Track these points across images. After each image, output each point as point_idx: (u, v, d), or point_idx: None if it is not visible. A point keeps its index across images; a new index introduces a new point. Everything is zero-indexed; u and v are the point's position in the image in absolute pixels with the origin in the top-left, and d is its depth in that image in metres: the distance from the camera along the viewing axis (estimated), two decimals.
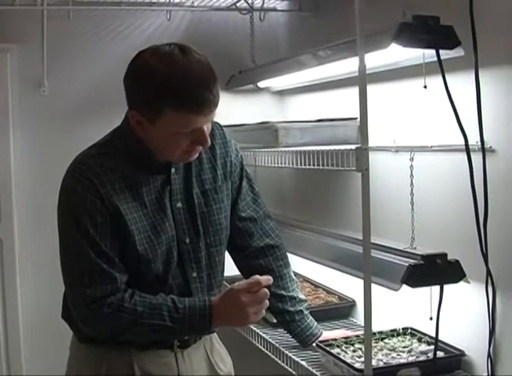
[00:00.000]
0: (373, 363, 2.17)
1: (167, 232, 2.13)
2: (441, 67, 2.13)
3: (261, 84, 3.47)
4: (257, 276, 2.12)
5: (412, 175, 2.31)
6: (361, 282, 2.02)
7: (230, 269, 2.43)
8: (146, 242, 2.08)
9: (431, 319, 2.20)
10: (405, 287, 2.13)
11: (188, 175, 2.19)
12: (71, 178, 2.08)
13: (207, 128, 2.03)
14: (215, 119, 2.31)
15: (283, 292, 2.42)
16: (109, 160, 2.08)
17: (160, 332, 2.07)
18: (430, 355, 2.28)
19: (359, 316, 2.86)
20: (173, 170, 2.15)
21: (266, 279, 2.12)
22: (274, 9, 3.64)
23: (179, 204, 2.16)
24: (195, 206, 2.18)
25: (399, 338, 2.51)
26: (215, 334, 2.37)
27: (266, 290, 2.10)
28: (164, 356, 2.19)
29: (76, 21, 3.36)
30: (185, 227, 2.17)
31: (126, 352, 2.14)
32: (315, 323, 2.48)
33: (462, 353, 2.30)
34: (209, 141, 2.06)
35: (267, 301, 2.11)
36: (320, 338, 2.46)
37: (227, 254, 2.37)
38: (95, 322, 2.06)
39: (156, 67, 1.95)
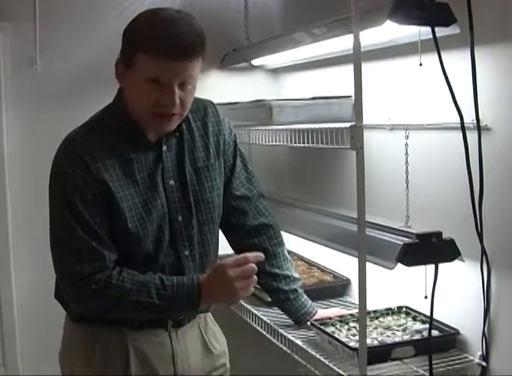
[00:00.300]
0: (368, 341, 2.18)
1: (159, 209, 2.13)
2: (436, 45, 2.12)
3: (255, 62, 3.45)
4: (246, 253, 2.12)
5: (407, 153, 2.30)
6: (356, 260, 2.02)
7: (224, 247, 2.42)
8: (137, 219, 2.09)
9: (426, 297, 2.20)
10: (400, 265, 2.12)
11: (180, 153, 2.19)
12: (62, 156, 2.08)
13: (181, 90, 2.03)
14: (209, 97, 2.31)
15: (277, 271, 2.42)
16: (101, 137, 2.09)
17: (148, 310, 2.07)
18: (425, 333, 2.29)
19: (354, 295, 2.87)
20: (164, 147, 2.15)
21: (255, 255, 2.13)
22: None
23: (172, 182, 2.16)
24: (187, 184, 2.18)
25: (394, 316, 2.52)
26: (209, 313, 2.38)
27: (253, 265, 2.09)
28: (158, 335, 2.20)
29: None
30: (177, 205, 2.17)
31: (120, 331, 2.16)
32: (310, 301, 2.50)
33: (456, 332, 2.30)
34: (176, 103, 2.04)
35: (255, 277, 2.11)
36: (315, 317, 2.47)
37: (221, 233, 2.38)
38: (84, 299, 2.06)
39: (146, 17, 2.02)
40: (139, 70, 2.00)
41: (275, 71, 3.68)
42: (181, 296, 2.06)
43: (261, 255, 2.15)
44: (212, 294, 2.10)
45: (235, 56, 3.46)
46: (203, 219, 2.22)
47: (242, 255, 2.12)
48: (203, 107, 2.27)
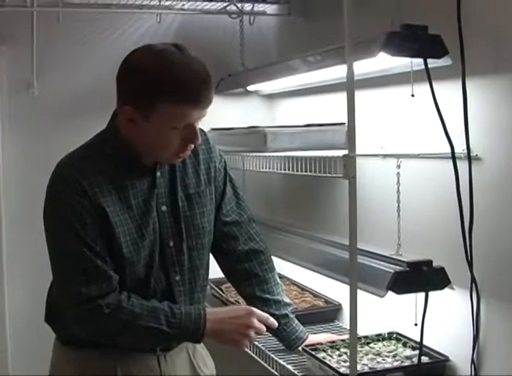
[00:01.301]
0: (358, 367, 2.19)
1: (151, 235, 2.14)
2: (428, 76, 2.15)
3: (251, 87, 3.48)
4: (269, 316, 2.29)
5: (398, 182, 2.32)
6: (347, 286, 2.04)
7: (214, 271, 2.45)
8: (131, 244, 2.10)
9: (416, 325, 2.22)
10: (390, 293, 2.14)
11: (173, 179, 2.21)
12: (58, 180, 2.09)
13: (197, 125, 2.06)
14: (204, 122, 2.33)
15: (268, 296, 2.43)
16: (96, 163, 2.09)
17: (155, 336, 2.09)
18: (415, 360, 2.30)
19: (345, 320, 2.88)
20: (158, 173, 2.17)
21: (272, 322, 2.28)
22: (264, 13, 3.65)
23: (164, 207, 2.18)
24: (179, 209, 2.20)
25: (385, 342, 2.52)
26: None
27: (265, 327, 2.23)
28: (146, 359, 2.21)
29: (66, 23, 3.35)
30: (169, 230, 2.19)
31: (109, 355, 2.15)
32: (301, 326, 2.50)
33: (446, 358, 2.32)
34: (200, 139, 2.08)
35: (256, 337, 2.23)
36: (306, 342, 2.48)
37: (212, 258, 2.40)
38: (90, 321, 2.07)
39: (152, 61, 1.98)
40: (162, 119, 1.99)
41: (270, 97, 3.71)
42: (188, 325, 2.10)
43: (275, 324, 2.31)
44: (222, 330, 2.16)
45: (230, 82, 3.49)
46: (194, 245, 2.24)
47: (266, 315, 2.26)
48: None
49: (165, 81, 1.95)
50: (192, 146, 2.11)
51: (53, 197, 2.09)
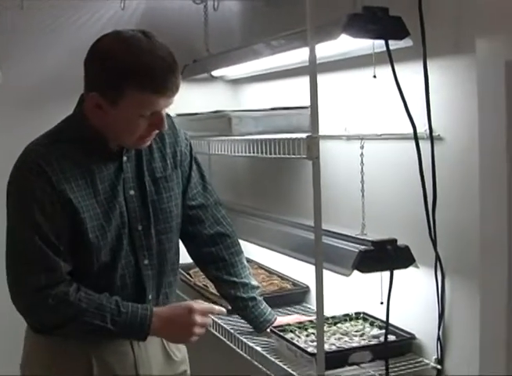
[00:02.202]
0: (326, 347, 2.22)
1: (117, 219, 2.15)
2: (390, 57, 2.17)
3: (215, 73, 3.48)
4: (214, 306, 2.26)
5: (362, 162, 2.34)
6: (314, 268, 2.06)
7: (183, 256, 2.46)
8: (97, 229, 2.10)
9: (382, 303, 2.24)
10: (356, 272, 2.17)
11: (139, 164, 2.22)
12: (22, 165, 2.09)
13: (164, 112, 2.07)
14: (169, 108, 2.33)
15: (235, 279, 2.46)
16: (61, 148, 2.09)
17: (99, 332, 2.09)
18: (382, 339, 2.33)
19: (313, 302, 2.87)
20: (125, 158, 2.18)
21: (219, 310, 2.26)
22: None
23: (132, 192, 2.19)
24: (146, 193, 2.21)
25: (352, 322, 2.55)
26: None
27: (211, 319, 2.25)
28: (120, 345, 2.21)
29: (29, 11, 3.31)
30: (137, 214, 2.19)
31: (82, 341, 2.15)
32: (269, 309, 2.52)
33: (412, 337, 2.35)
34: (166, 125, 2.09)
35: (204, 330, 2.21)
36: (274, 324, 2.50)
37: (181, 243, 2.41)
38: (38, 312, 2.07)
39: (121, 48, 1.98)
40: (130, 106, 2.00)
41: (235, 82, 3.71)
42: (132, 325, 2.10)
43: (224, 311, 2.29)
44: (166, 330, 2.16)
45: (195, 67, 3.48)
46: (161, 229, 2.24)
47: (210, 306, 2.25)
48: None
49: (133, 69, 1.96)
50: (157, 131, 2.12)
51: (16, 182, 2.09)
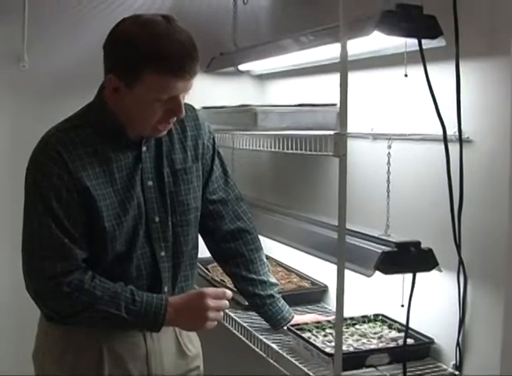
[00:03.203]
0: (343, 348, 2.19)
1: (135, 209, 2.13)
2: (422, 57, 2.14)
3: (242, 67, 3.46)
4: (224, 289, 2.21)
5: (389, 162, 2.31)
6: (334, 267, 2.02)
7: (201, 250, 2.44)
8: (113, 218, 2.09)
9: (403, 306, 2.22)
10: (377, 273, 2.14)
11: (159, 154, 2.20)
12: (41, 151, 2.08)
13: (182, 98, 2.05)
14: (194, 101, 2.32)
15: (253, 276, 2.44)
16: (81, 135, 2.09)
17: (113, 321, 2.08)
18: (400, 342, 2.30)
19: (331, 302, 2.88)
20: (144, 148, 2.16)
21: (230, 294, 2.20)
22: None
23: (150, 183, 2.17)
24: (165, 185, 2.19)
25: (370, 324, 2.53)
26: None
27: (227, 301, 2.18)
28: (132, 336, 2.20)
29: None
30: (155, 206, 2.18)
31: (93, 331, 2.15)
32: (287, 307, 2.51)
33: (431, 341, 2.32)
34: (184, 112, 2.08)
35: (222, 313, 2.19)
36: (291, 322, 2.48)
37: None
38: (52, 298, 2.06)
39: (140, 31, 1.98)
40: (146, 90, 1.99)
41: (262, 77, 3.69)
42: (148, 314, 2.08)
43: (231, 294, 2.23)
44: (181, 318, 2.14)
45: (222, 61, 3.47)
46: (177, 221, 2.22)
47: (222, 290, 2.20)
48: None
49: (150, 52, 1.95)
50: (175, 119, 2.10)
51: (34, 168, 2.09)
